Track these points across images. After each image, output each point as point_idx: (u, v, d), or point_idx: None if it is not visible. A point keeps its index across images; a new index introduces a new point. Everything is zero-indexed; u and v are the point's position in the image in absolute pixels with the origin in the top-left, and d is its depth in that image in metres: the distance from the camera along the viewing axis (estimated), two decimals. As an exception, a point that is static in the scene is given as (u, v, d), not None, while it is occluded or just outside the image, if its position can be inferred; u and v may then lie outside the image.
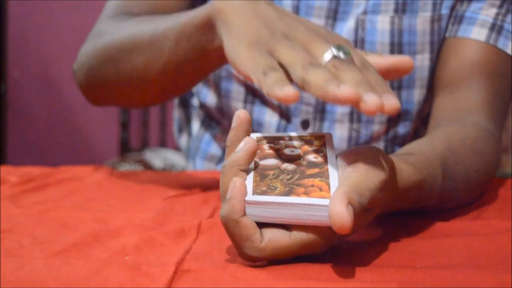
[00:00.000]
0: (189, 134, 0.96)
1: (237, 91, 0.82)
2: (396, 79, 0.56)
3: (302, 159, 0.49)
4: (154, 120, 2.27)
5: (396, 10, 0.78)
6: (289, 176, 0.47)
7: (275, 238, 0.45)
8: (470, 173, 0.65)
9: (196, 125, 0.92)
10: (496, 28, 0.76)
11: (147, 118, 2.27)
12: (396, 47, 0.79)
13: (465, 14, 0.78)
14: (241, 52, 0.51)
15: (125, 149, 2.21)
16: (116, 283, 0.42)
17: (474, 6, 0.78)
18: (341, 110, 0.80)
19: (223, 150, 0.88)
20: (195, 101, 0.92)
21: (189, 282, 0.42)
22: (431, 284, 0.42)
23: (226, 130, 0.86)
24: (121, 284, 0.42)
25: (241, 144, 0.47)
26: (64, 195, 0.71)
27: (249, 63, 0.50)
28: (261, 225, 0.46)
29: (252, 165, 0.48)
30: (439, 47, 0.80)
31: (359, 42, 0.79)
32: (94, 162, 2.09)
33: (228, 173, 0.47)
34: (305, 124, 0.81)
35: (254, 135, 0.51)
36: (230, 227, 0.45)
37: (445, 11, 0.78)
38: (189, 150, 0.95)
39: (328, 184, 0.46)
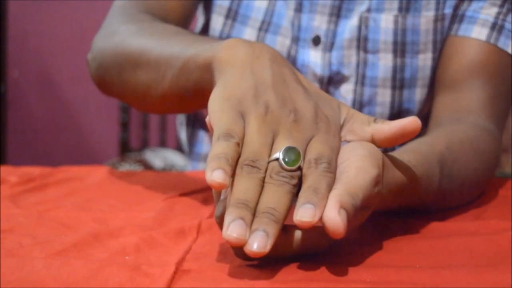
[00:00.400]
0: (192, 126, 0.95)
1: None
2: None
3: None
4: (154, 120, 2.27)
5: (400, 9, 0.78)
6: None
7: None
8: (468, 172, 0.65)
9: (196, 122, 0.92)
10: (497, 27, 0.76)
11: (147, 118, 2.27)
12: (399, 46, 0.79)
13: (466, 13, 0.78)
14: (216, 101, 0.49)
15: (125, 149, 2.21)
16: (116, 283, 0.42)
17: (475, 5, 0.78)
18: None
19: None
20: None
21: (189, 282, 0.42)
22: (431, 284, 0.42)
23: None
24: (121, 284, 0.42)
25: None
26: (64, 195, 0.71)
27: (215, 115, 0.48)
28: None
29: None
30: (441, 46, 0.80)
31: (362, 40, 0.79)
32: (94, 162, 2.09)
33: None
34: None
35: None
36: None
37: (448, 10, 0.79)
38: (189, 146, 0.95)
39: None
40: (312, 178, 0.45)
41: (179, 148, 2.17)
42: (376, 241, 0.52)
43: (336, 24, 0.79)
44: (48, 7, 2.36)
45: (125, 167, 1.86)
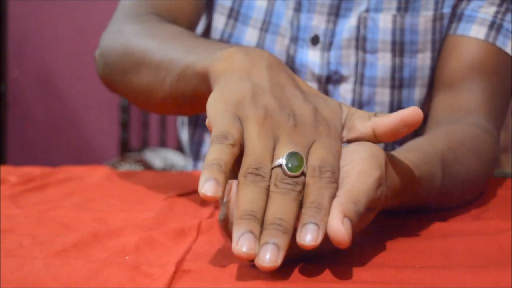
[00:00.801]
0: (194, 125, 0.95)
1: None
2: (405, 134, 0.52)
3: None
4: (154, 120, 2.28)
5: (398, 9, 0.78)
6: None
7: None
8: (469, 171, 0.65)
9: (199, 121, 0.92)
10: (495, 26, 0.76)
11: (147, 118, 2.27)
12: (397, 46, 0.79)
13: (465, 12, 0.78)
14: (213, 105, 0.49)
15: (125, 149, 2.21)
16: (116, 283, 0.42)
17: (473, 4, 0.78)
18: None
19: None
20: None
21: (189, 282, 0.42)
22: (431, 284, 0.42)
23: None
24: (121, 284, 0.42)
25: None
26: (64, 195, 0.71)
27: (213, 118, 0.48)
28: None
29: None
30: (440, 46, 0.80)
31: (361, 40, 0.79)
32: (94, 162, 2.09)
33: None
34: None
35: None
36: (229, 230, 0.45)
37: (446, 10, 0.79)
38: (190, 145, 0.95)
39: None
40: (315, 191, 0.44)
41: (179, 148, 2.17)
42: (376, 241, 0.52)
43: (335, 23, 0.79)
44: (48, 7, 2.36)
45: (125, 167, 1.86)
